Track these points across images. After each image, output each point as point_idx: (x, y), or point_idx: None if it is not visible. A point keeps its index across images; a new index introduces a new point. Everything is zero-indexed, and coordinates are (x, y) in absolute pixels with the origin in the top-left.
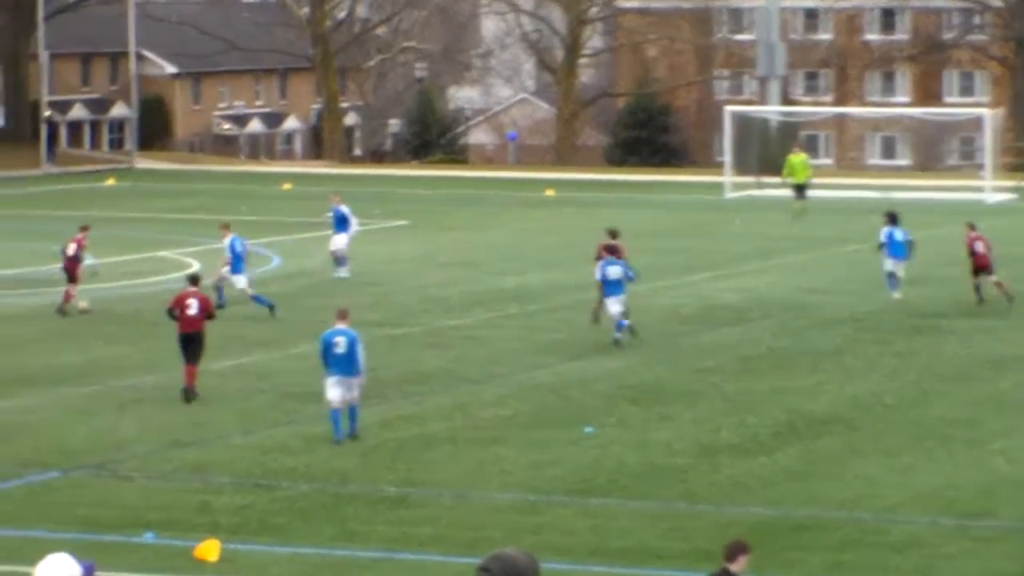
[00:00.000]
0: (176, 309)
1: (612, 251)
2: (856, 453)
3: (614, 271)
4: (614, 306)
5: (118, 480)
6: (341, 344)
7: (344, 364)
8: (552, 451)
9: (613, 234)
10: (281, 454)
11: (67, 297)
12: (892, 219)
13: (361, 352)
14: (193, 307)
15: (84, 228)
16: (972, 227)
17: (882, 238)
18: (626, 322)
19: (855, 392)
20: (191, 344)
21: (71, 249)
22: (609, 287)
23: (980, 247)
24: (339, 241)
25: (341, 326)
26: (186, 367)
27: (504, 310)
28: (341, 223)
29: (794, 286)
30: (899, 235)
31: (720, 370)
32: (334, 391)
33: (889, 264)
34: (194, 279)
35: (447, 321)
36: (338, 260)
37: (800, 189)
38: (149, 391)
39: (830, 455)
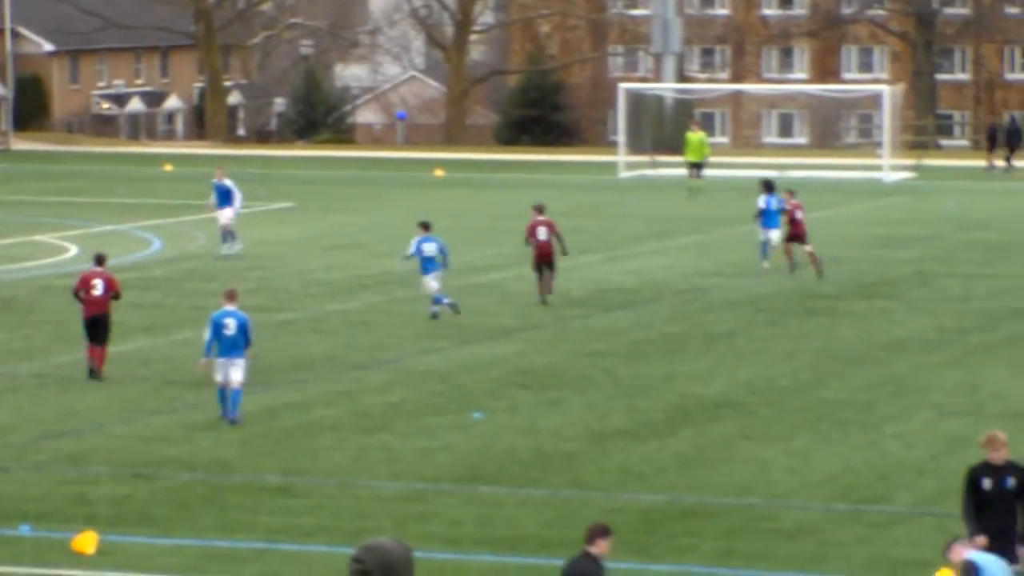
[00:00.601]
0: (81, 290)
1: (426, 227)
2: (749, 438)
3: (429, 247)
4: (431, 282)
5: None
6: (231, 326)
7: (232, 346)
8: (440, 438)
9: (540, 209)
10: (162, 443)
11: None
12: (768, 187)
13: (251, 334)
14: (98, 288)
15: None
16: (792, 194)
17: (761, 204)
18: (446, 299)
19: (748, 376)
20: (96, 326)
21: None
22: (426, 264)
23: (800, 215)
24: (225, 215)
25: (230, 307)
26: (91, 349)
27: (391, 294)
28: (225, 197)
29: (688, 268)
30: (774, 203)
31: (611, 354)
32: (220, 374)
33: (763, 233)
34: (100, 259)
35: (333, 306)
36: (226, 235)
37: (696, 167)
38: (25, 379)
39: (722, 440)
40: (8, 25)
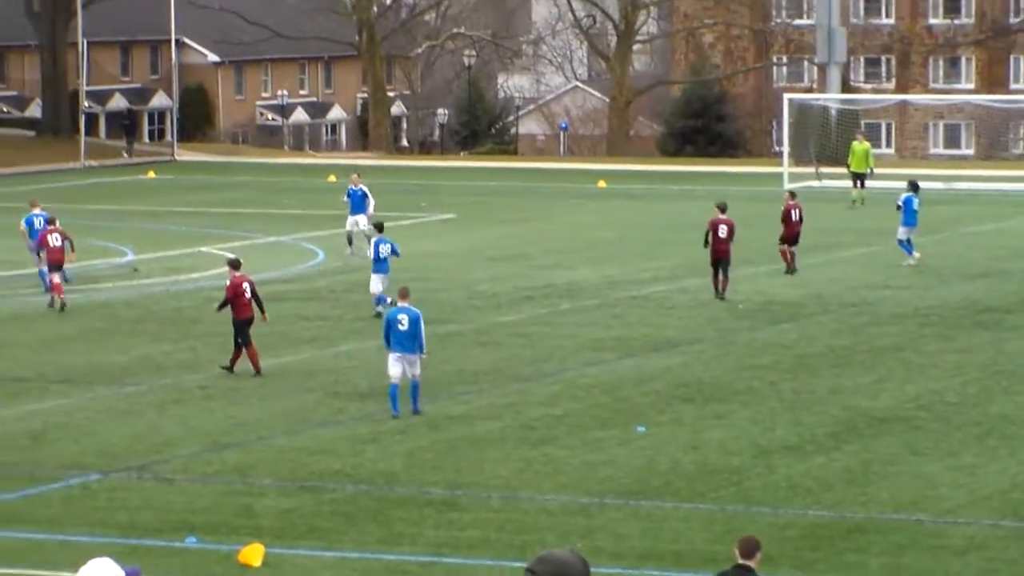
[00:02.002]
0: (234, 297)
1: (380, 229)
2: (916, 453)
3: (384, 249)
4: (379, 283)
5: (159, 483)
6: (404, 322)
7: (406, 341)
8: (604, 451)
9: (723, 207)
10: (327, 455)
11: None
12: (914, 187)
13: (423, 330)
14: (248, 291)
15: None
16: (792, 195)
17: (899, 202)
18: (388, 298)
19: (916, 390)
20: (246, 328)
21: (57, 240)
22: (378, 264)
23: (796, 215)
24: (362, 221)
25: (404, 304)
26: (247, 350)
27: (556, 306)
28: (361, 203)
29: (854, 280)
30: (915, 204)
31: (776, 368)
32: (396, 368)
33: (902, 232)
34: (237, 264)
35: (497, 318)
36: (353, 239)
37: (859, 178)
38: (190, 391)
39: (889, 455)
40: (173, 36)
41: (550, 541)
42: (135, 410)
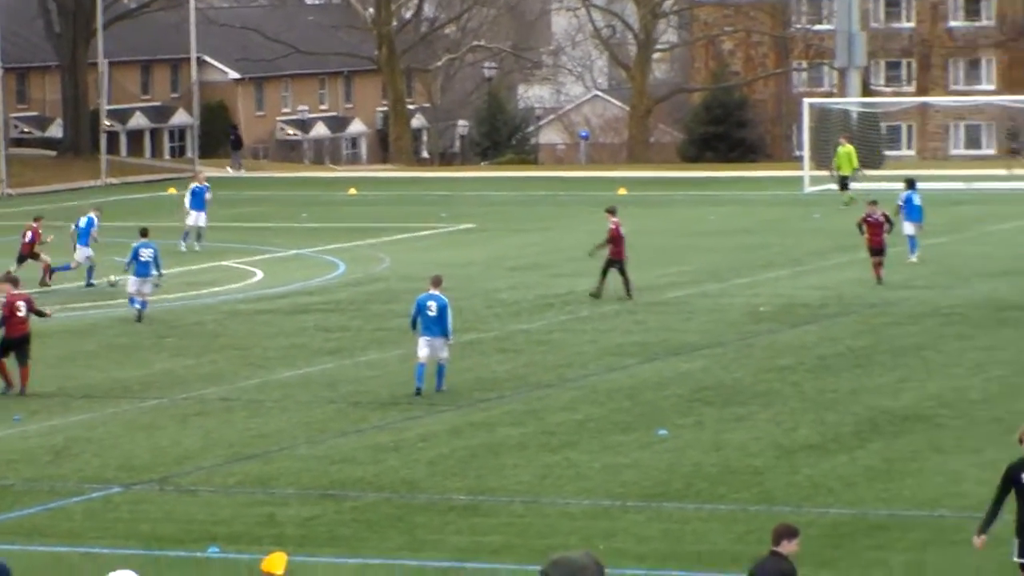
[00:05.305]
0: (10, 316)
1: (144, 234)
2: (939, 451)
3: (146, 253)
4: (144, 286)
5: (181, 494)
6: (433, 308)
7: (434, 326)
8: (626, 455)
9: (874, 203)
10: (349, 464)
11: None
12: (911, 184)
13: (450, 316)
14: (23, 309)
15: (37, 219)
16: (874, 203)
17: (899, 201)
18: (145, 306)
19: (938, 388)
20: (22, 346)
21: (27, 236)
22: (140, 267)
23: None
24: (199, 217)
25: (434, 291)
26: (21, 369)
27: (576, 313)
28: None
29: (875, 281)
30: (916, 199)
31: (798, 369)
32: (424, 350)
33: (908, 228)
34: (15, 280)
35: (517, 325)
36: (199, 235)
37: (845, 181)
38: (212, 403)
39: (912, 453)
40: (194, 54)
41: (573, 544)
42: (157, 424)
